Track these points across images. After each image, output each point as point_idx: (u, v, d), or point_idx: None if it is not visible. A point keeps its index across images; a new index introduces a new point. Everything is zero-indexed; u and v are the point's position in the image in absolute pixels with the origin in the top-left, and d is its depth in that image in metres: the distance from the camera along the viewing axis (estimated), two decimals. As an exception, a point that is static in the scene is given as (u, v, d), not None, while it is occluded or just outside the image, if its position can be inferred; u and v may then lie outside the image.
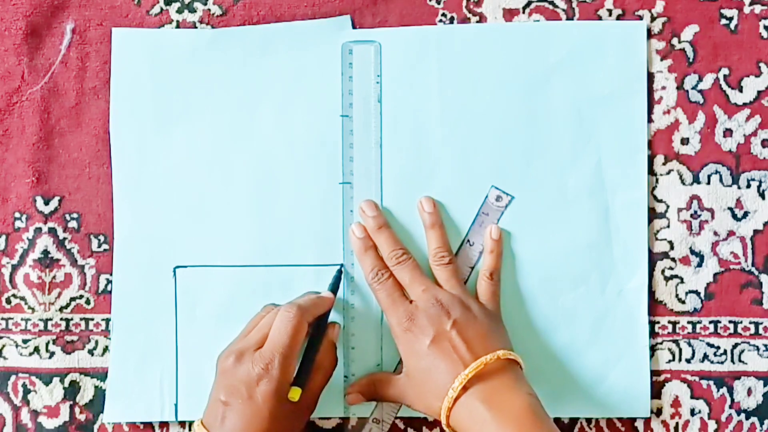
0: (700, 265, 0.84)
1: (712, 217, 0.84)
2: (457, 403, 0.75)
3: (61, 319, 0.86)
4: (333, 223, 0.84)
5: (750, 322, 0.84)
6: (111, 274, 0.86)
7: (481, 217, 0.84)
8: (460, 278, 0.82)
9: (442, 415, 0.76)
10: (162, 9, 0.86)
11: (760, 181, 0.84)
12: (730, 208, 0.84)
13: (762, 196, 0.84)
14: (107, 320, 0.86)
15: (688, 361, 0.84)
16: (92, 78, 0.86)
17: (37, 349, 0.86)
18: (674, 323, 0.84)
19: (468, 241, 0.84)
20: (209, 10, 0.86)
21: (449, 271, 0.81)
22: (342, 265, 0.84)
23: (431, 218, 0.83)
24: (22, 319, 0.86)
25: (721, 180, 0.84)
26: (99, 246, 0.86)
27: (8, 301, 0.86)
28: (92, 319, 0.86)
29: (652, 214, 0.84)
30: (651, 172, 0.84)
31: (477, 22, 0.85)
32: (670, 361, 0.84)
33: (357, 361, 0.84)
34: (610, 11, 0.84)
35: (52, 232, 0.86)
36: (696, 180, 0.84)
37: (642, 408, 0.83)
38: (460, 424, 0.75)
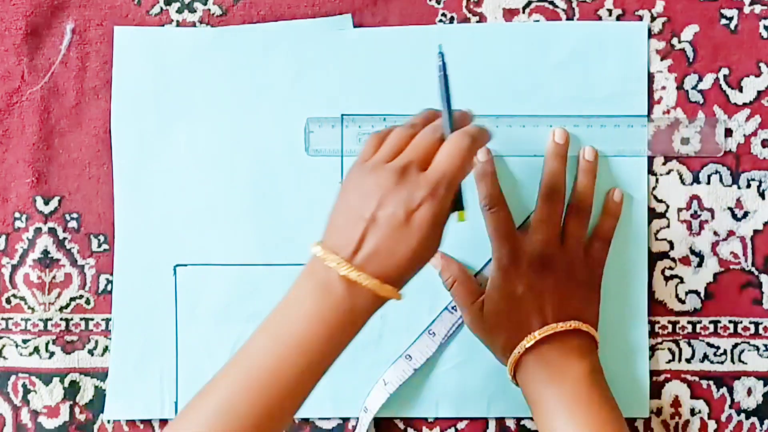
0: (700, 265, 0.84)
1: (712, 217, 0.84)
2: (522, 359, 0.76)
3: (61, 319, 0.86)
4: (333, 223, 0.84)
5: (750, 322, 0.84)
6: (111, 274, 0.86)
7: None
8: (585, 231, 0.81)
9: (508, 368, 0.77)
10: (162, 9, 0.86)
11: (760, 181, 0.84)
12: (730, 208, 0.84)
13: (762, 196, 0.84)
14: (107, 320, 0.86)
15: (688, 361, 0.84)
16: (92, 78, 0.86)
17: (37, 349, 0.86)
18: (674, 323, 0.84)
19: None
20: (209, 10, 0.86)
21: (581, 224, 0.81)
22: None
23: (589, 166, 0.82)
24: (22, 319, 0.86)
25: (721, 180, 0.84)
26: (99, 246, 0.86)
27: (8, 301, 0.86)
28: (92, 319, 0.86)
29: (652, 214, 0.84)
30: (651, 172, 0.84)
31: (477, 22, 0.85)
32: (669, 361, 0.84)
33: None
34: (610, 11, 0.84)
35: (52, 232, 0.86)
36: (696, 180, 0.84)
37: (641, 408, 0.83)
38: (522, 379, 0.77)
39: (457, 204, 0.71)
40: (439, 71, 0.74)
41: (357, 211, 0.68)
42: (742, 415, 0.84)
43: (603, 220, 0.83)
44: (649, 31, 0.84)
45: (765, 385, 0.84)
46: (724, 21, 0.84)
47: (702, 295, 0.84)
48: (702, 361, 0.84)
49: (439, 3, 0.85)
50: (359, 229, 0.67)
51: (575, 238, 0.80)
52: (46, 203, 0.86)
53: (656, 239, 0.84)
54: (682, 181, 0.84)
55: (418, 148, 0.70)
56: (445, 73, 0.74)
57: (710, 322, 0.84)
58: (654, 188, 0.84)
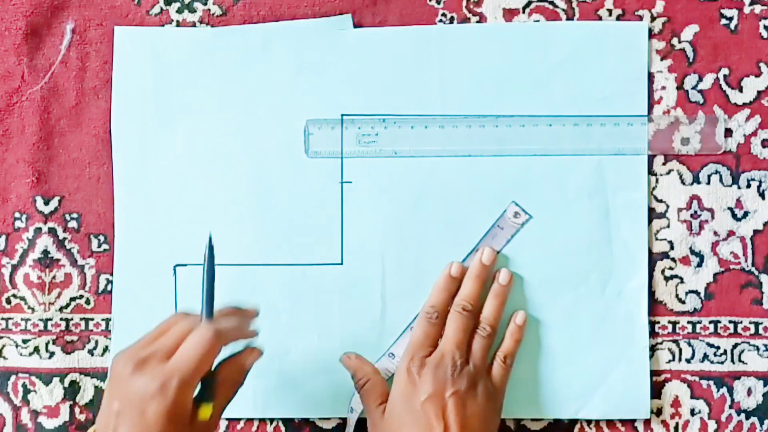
0: (700, 265, 0.84)
1: (712, 217, 0.84)
2: None
3: (61, 319, 0.86)
4: (333, 222, 0.84)
5: (750, 322, 0.84)
6: (111, 274, 0.86)
7: (494, 230, 0.84)
8: (488, 352, 0.82)
9: None
10: (162, 9, 0.86)
11: (760, 181, 0.84)
12: (730, 208, 0.84)
13: (762, 196, 0.84)
14: (107, 320, 0.86)
15: (688, 361, 0.84)
16: (92, 78, 0.86)
17: (37, 349, 0.86)
18: (674, 323, 0.84)
19: (477, 249, 0.84)
20: (209, 10, 0.86)
21: (482, 344, 0.81)
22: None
23: (500, 290, 0.83)
24: (22, 319, 0.86)
25: (721, 180, 0.84)
26: (99, 246, 0.86)
27: (8, 301, 0.86)
28: (92, 319, 0.86)
29: (652, 214, 0.84)
30: (651, 172, 0.84)
31: (477, 22, 0.85)
32: (670, 361, 0.84)
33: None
34: (610, 11, 0.84)
35: (52, 232, 0.86)
36: (696, 180, 0.84)
37: (642, 408, 0.83)
38: None
39: (206, 395, 0.70)
40: (204, 260, 0.72)
41: (110, 401, 0.69)
42: (742, 415, 0.84)
43: (506, 341, 0.83)
44: (649, 31, 0.84)
45: (765, 385, 0.84)
46: (724, 21, 0.84)
47: (702, 295, 0.84)
48: (702, 361, 0.84)
49: (439, 3, 0.85)
50: (112, 421, 0.68)
51: (478, 356, 0.80)
52: (46, 203, 0.86)
53: (656, 239, 0.84)
54: (682, 181, 0.84)
55: (168, 339, 0.70)
56: (211, 263, 0.72)
57: (710, 322, 0.84)
58: (654, 188, 0.84)
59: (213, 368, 0.71)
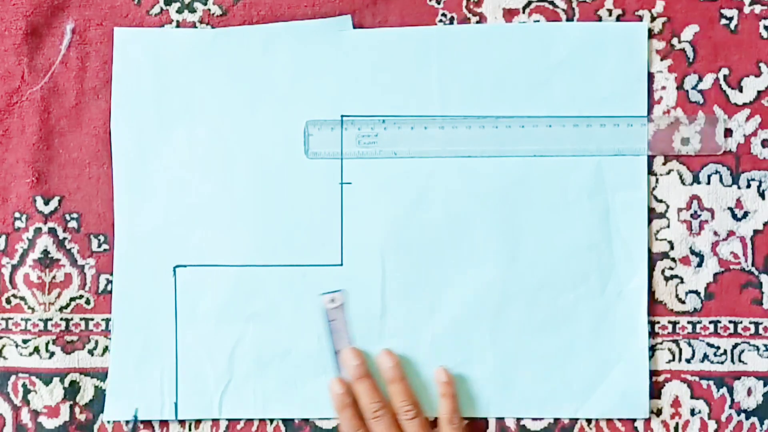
0: (700, 265, 0.84)
1: (712, 217, 0.84)
2: None
3: (61, 319, 0.86)
4: (332, 224, 0.84)
5: (750, 322, 0.84)
6: (111, 274, 0.86)
7: (332, 326, 0.84)
8: (428, 428, 0.81)
9: None
10: (162, 9, 0.86)
11: (760, 181, 0.84)
12: (730, 208, 0.84)
13: (762, 196, 0.84)
14: (107, 320, 0.86)
15: (688, 361, 0.84)
16: (92, 78, 0.86)
17: (37, 349, 0.86)
18: (674, 323, 0.84)
19: (337, 352, 0.84)
20: (209, 10, 0.86)
21: (416, 426, 0.81)
22: None
23: (392, 372, 0.82)
24: (22, 319, 0.86)
25: (721, 180, 0.84)
26: (99, 246, 0.86)
27: (8, 301, 0.86)
28: (92, 319, 0.86)
29: (652, 214, 0.84)
30: (651, 172, 0.84)
31: (477, 22, 0.85)
32: (670, 361, 0.84)
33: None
34: (610, 11, 0.84)
35: (52, 232, 0.86)
36: (696, 180, 0.84)
37: (642, 408, 0.83)
38: None
39: None
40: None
41: None
42: (742, 415, 0.84)
43: (441, 405, 0.82)
44: (649, 31, 0.84)
45: (765, 385, 0.84)
46: (724, 21, 0.84)
47: (702, 295, 0.84)
48: (702, 361, 0.84)
49: (439, 3, 0.85)
50: None
51: None
52: (46, 203, 0.86)
53: (656, 239, 0.84)
54: (682, 181, 0.84)
55: None
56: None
57: (710, 322, 0.84)
58: (654, 188, 0.84)
59: None
